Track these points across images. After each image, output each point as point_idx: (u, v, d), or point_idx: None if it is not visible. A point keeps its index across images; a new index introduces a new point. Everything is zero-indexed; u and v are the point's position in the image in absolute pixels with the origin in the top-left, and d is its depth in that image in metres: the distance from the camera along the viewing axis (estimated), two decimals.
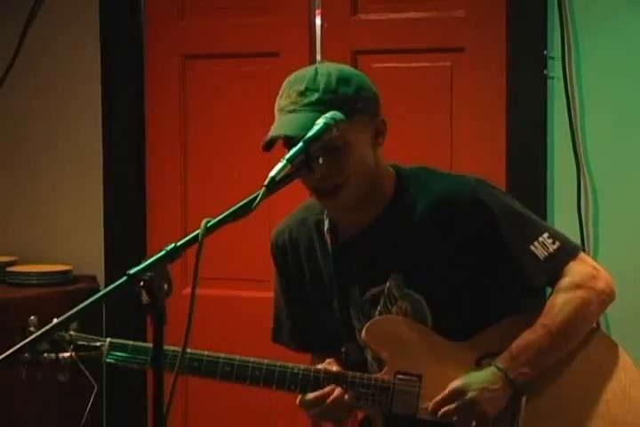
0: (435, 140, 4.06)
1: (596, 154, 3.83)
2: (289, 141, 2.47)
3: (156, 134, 4.48)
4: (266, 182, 2.23)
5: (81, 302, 1.99)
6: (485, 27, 3.97)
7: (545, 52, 3.84)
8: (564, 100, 3.82)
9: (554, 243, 2.66)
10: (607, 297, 2.70)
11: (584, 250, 3.68)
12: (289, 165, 2.27)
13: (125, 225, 4.50)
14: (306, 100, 2.51)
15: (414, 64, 4.11)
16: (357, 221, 2.67)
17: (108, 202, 4.49)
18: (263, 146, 2.52)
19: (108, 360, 2.66)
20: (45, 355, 2.65)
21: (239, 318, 4.29)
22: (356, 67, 4.09)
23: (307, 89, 2.53)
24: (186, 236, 2.08)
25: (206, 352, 2.65)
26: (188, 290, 2.12)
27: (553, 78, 3.84)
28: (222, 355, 2.65)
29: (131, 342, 2.67)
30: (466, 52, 4.01)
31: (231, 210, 2.17)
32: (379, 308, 2.69)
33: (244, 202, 2.19)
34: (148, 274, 1.99)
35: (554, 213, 3.85)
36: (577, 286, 2.65)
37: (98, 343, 2.66)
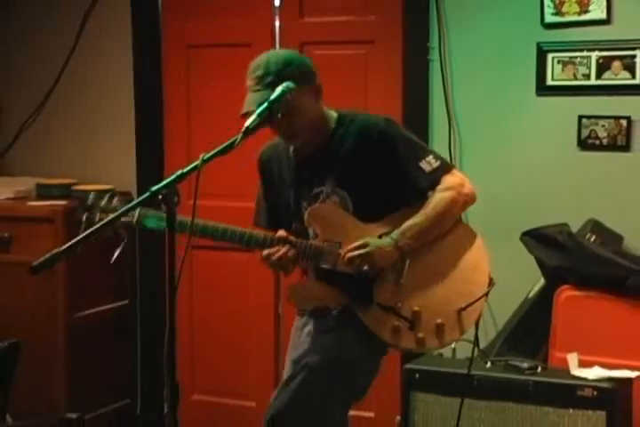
0: (354, 103, 3.94)
1: (462, 113, 3.77)
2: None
3: (170, 100, 4.38)
4: (243, 129, 2.26)
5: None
6: (389, 26, 3.89)
7: (428, 44, 3.77)
8: (441, 77, 3.77)
9: (436, 162, 2.69)
10: (469, 199, 2.72)
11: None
12: (258, 119, 2.32)
13: (150, 157, 4.41)
14: (264, 83, 2.53)
15: (341, 52, 4.02)
16: (311, 146, 2.70)
17: (139, 142, 4.41)
18: (241, 116, 2.53)
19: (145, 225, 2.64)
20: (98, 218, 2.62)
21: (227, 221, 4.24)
22: (302, 53, 4.05)
23: (264, 74, 2.54)
24: (189, 165, 2.08)
25: (202, 222, 2.67)
26: (191, 201, 2.09)
27: (433, 61, 3.78)
28: (212, 224, 2.68)
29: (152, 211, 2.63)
30: (375, 44, 3.94)
31: (220, 147, 2.18)
32: (319, 200, 2.70)
33: (228, 142, 2.20)
34: (164, 191, 2.00)
35: None
36: (448, 189, 2.67)
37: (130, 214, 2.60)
